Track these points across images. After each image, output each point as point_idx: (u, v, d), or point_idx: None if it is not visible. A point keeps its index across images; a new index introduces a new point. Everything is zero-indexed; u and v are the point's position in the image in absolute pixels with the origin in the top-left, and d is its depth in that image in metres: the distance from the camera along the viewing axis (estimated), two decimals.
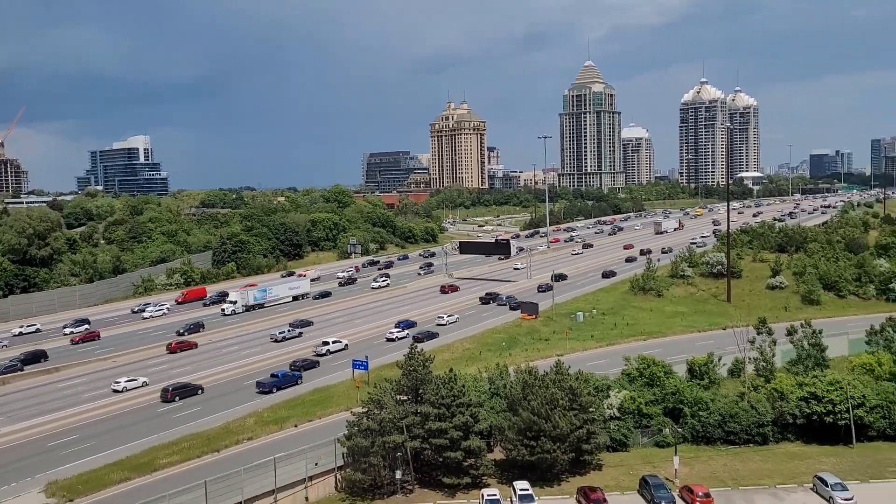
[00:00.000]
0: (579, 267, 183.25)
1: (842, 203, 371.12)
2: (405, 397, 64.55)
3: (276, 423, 74.90)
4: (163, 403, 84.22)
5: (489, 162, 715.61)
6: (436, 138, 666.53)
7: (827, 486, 57.81)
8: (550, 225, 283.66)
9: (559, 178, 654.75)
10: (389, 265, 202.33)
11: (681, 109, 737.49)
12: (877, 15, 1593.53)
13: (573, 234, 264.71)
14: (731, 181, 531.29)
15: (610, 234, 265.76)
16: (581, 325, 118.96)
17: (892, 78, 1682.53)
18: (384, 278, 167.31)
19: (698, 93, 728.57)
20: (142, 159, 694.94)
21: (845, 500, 56.33)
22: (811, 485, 59.90)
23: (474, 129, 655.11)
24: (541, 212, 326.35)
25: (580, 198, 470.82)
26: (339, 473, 62.92)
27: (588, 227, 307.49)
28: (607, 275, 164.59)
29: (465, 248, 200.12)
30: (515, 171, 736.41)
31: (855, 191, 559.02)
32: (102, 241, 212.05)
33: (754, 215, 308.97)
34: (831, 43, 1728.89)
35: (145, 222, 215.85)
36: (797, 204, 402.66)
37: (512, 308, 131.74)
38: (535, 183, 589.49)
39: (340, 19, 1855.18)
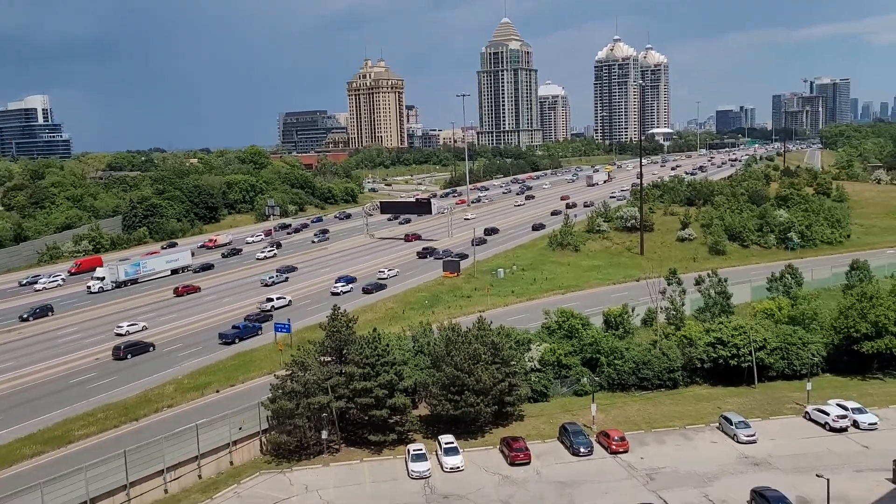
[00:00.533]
0: (513, 220, 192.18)
1: (746, 157, 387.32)
2: (329, 358, 64.57)
3: (197, 389, 73.65)
4: (115, 361, 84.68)
5: (408, 121, 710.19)
6: (353, 97, 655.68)
7: (731, 425, 61.54)
8: (470, 183, 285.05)
9: (478, 137, 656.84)
10: (301, 228, 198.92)
11: (595, 67, 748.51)
12: None
13: (481, 195, 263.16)
14: (643, 137, 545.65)
15: (517, 195, 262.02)
16: (502, 281, 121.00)
17: (790, 36, 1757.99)
18: (271, 248, 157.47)
19: (612, 50, 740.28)
20: (41, 120, 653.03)
21: (748, 436, 60.20)
22: (717, 424, 63.61)
23: (392, 88, 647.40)
24: (461, 170, 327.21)
25: (499, 156, 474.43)
26: (264, 437, 62.67)
27: (500, 187, 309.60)
28: (537, 227, 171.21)
29: (386, 207, 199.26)
30: (435, 130, 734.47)
31: (757, 145, 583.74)
32: (1, 208, 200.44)
33: (672, 169, 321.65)
34: (733, 1, 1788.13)
35: (48, 187, 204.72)
36: (710, 158, 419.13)
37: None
38: (455, 141, 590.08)
39: None
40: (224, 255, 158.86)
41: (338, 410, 61.58)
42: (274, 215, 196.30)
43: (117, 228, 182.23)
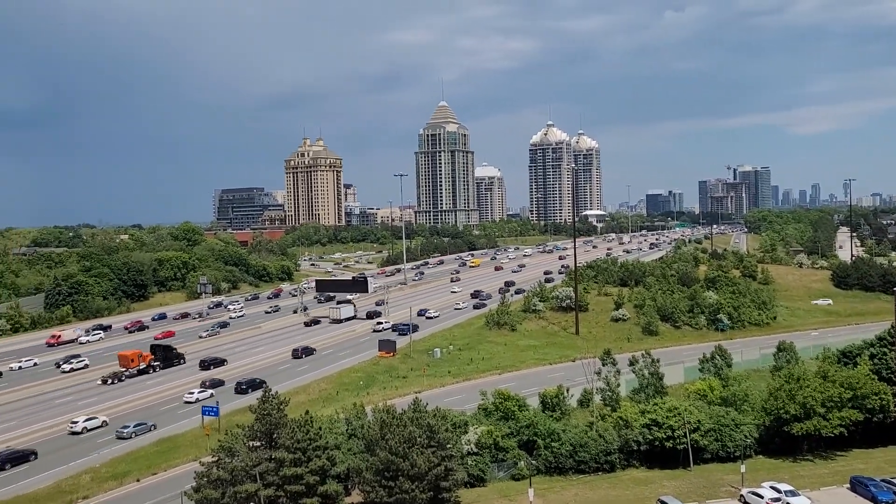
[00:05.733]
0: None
1: (677, 239, 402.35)
2: (259, 443, 61.82)
3: (116, 478, 69.40)
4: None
5: (346, 199, 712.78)
6: (291, 175, 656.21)
7: None
8: (407, 262, 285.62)
9: (415, 216, 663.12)
10: (205, 314, 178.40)
11: (530, 150, 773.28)
12: (695, 68, 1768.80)
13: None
14: (577, 219, 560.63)
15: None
16: (438, 361, 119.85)
17: (716, 125, 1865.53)
18: None
19: (545, 135, 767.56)
20: None
21: None
22: None
23: (330, 166, 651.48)
24: (398, 248, 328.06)
25: (436, 234, 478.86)
26: None
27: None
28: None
29: (322, 286, 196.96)
30: (372, 208, 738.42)
31: (685, 228, 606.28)
32: None
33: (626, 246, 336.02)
34: (659, 91, 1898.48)
35: None
36: (658, 237, 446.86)
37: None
38: (392, 220, 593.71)
39: (187, 52, 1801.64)
40: None
41: (266, 499, 58.58)
42: (206, 293, 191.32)
43: (39, 307, 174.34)
